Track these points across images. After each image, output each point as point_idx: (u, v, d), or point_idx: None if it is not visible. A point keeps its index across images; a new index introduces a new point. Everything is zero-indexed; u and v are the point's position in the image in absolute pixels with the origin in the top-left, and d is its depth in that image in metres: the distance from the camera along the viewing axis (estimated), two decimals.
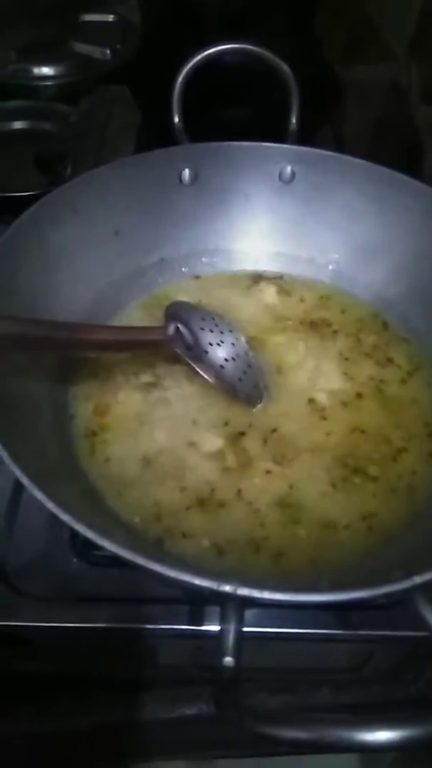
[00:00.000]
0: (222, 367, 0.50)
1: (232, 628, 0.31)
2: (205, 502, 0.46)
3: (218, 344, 0.50)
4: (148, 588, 0.46)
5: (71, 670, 0.53)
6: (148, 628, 0.47)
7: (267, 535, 0.44)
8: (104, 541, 0.31)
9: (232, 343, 0.51)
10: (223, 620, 0.31)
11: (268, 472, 0.47)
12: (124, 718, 0.54)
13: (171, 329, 0.49)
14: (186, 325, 0.49)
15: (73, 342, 0.47)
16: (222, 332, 0.51)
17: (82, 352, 0.51)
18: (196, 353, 0.49)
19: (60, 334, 0.46)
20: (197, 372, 0.50)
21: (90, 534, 0.31)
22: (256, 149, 0.57)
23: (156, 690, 0.54)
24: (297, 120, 0.60)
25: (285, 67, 0.58)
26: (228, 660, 0.30)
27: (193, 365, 0.49)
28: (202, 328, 0.50)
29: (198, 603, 0.46)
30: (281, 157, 0.58)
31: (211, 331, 0.50)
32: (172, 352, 0.50)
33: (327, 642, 0.48)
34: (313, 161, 0.57)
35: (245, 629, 0.43)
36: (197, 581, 0.31)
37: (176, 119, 0.59)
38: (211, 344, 0.50)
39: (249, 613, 0.45)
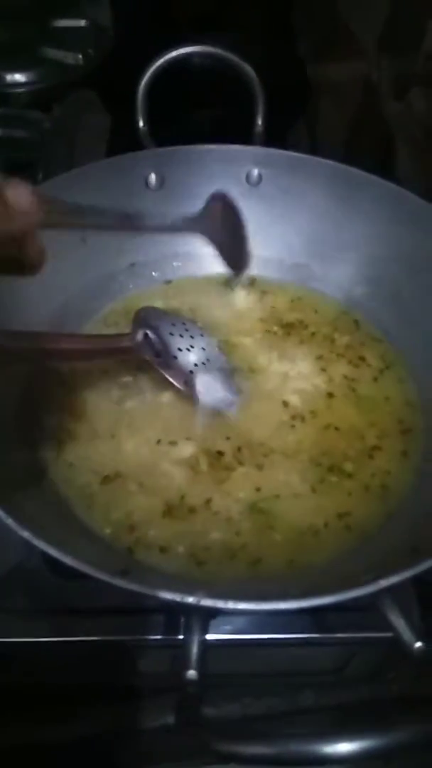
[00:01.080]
0: (191, 372, 0.49)
1: (195, 640, 0.31)
2: (176, 509, 0.45)
3: (188, 349, 0.50)
4: (124, 599, 0.46)
5: (51, 684, 0.53)
6: (126, 640, 0.47)
7: (244, 543, 0.44)
8: (66, 557, 0.31)
9: (203, 348, 0.51)
10: (186, 632, 0.31)
11: (242, 476, 0.47)
12: (106, 729, 0.53)
13: (139, 336, 0.49)
14: (155, 331, 0.49)
15: (42, 352, 0.46)
16: (192, 336, 0.51)
17: (48, 362, 0.50)
18: (165, 359, 0.49)
19: (31, 344, 0.45)
20: (166, 379, 0.49)
21: (46, 547, 0.31)
22: (221, 152, 0.57)
23: (139, 700, 0.53)
24: (263, 122, 0.59)
25: (248, 68, 0.58)
26: (191, 673, 0.30)
27: (162, 372, 0.49)
28: (171, 333, 0.50)
29: (174, 613, 0.46)
30: (247, 159, 0.57)
31: (181, 336, 0.50)
32: (141, 359, 0.49)
33: (305, 646, 0.48)
34: (279, 163, 0.57)
35: (220, 637, 0.44)
36: (160, 594, 0.30)
37: (141, 123, 0.58)
38: (180, 349, 0.49)
39: (225, 620, 0.45)
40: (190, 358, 0.50)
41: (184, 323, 0.51)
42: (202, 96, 0.78)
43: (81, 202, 0.51)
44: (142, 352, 0.49)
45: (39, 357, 0.48)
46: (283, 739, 0.40)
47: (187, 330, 0.51)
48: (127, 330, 0.55)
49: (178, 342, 0.50)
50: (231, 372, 0.52)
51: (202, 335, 0.51)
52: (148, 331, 0.49)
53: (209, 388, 0.50)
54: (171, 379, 0.49)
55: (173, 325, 0.50)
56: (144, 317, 0.50)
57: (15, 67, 0.96)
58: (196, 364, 0.50)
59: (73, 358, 0.49)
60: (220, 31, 1.00)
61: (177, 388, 0.49)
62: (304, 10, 1.04)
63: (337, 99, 0.96)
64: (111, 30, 1.07)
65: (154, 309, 0.53)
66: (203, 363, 0.50)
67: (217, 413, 0.50)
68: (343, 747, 0.26)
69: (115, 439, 0.49)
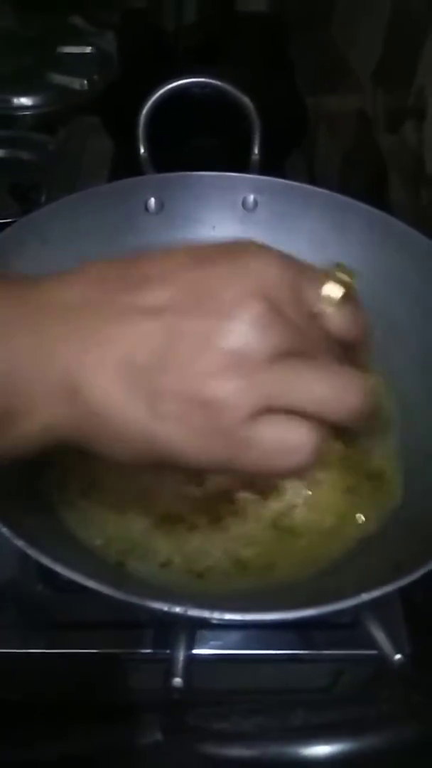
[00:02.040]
0: None
1: (182, 649, 0.31)
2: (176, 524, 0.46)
3: None
4: (115, 613, 0.47)
5: (39, 698, 0.53)
6: (116, 653, 0.47)
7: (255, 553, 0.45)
8: (56, 565, 0.32)
9: None
10: (173, 641, 0.32)
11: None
12: (95, 746, 0.53)
13: None
14: None
15: None
16: None
17: None
18: None
19: None
20: None
21: (38, 556, 0.32)
22: (218, 179, 0.59)
23: (126, 716, 0.53)
24: (259, 150, 0.62)
25: (246, 100, 0.61)
26: (177, 681, 0.30)
27: None
28: None
29: (164, 627, 0.46)
30: (244, 186, 0.59)
31: None
32: None
33: (292, 662, 0.48)
34: (274, 190, 0.59)
35: (206, 651, 0.45)
36: (147, 603, 0.31)
37: (142, 150, 0.61)
38: None
39: (210, 635, 0.46)
40: None
41: None
42: (202, 125, 0.81)
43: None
44: None
45: None
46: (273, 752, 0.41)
47: None
48: None
49: None
50: None
51: None
52: None
53: None
54: None
55: None
56: None
57: (21, 90, 0.99)
58: None
59: None
60: (219, 62, 1.04)
61: None
62: (302, 44, 1.08)
63: (333, 130, 0.99)
64: (115, 58, 1.10)
65: None
66: None
67: None
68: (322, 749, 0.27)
69: None
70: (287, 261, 0.29)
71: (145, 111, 0.60)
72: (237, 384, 0.26)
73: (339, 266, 0.30)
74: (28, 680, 0.52)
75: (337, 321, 0.29)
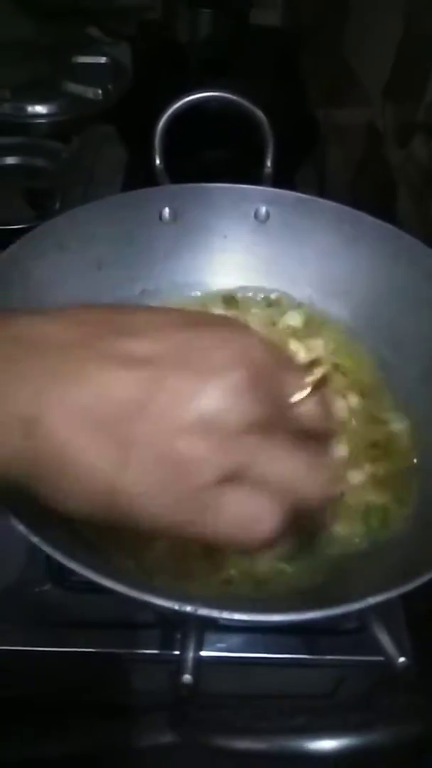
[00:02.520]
0: None
1: (191, 646, 0.32)
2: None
3: None
4: (123, 613, 0.47)
5: (45, 696, 0.54)
6: (123, 653, 0.48)
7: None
8: (70, 562, 0.33)
9: None
10: (182, 639, 0.33)
11: None
12: (97, 746, 0.54)
13: None
14: None
15: None
16: None
17: None
18: None
19: None
20: None
21: (53, 552, 0.33)
22: (232, 190, 0.60)
23: (130, 716, 0.54)
24: (272, 163, 0.63)
25: (259, 113, 0.62)
26: (186, 678, 0.31)
27: None
28: None
29: (170, 628, 0.47)
30: (257, 197, 0.61)
31: None
32: None
33: (296, 667, 0.49)
34: (286, 202, 0.60)
35: (211, 654, 0.45)
36: (157, 601, 0.32)
37: (157, 161, 0.62)
38: None
39: (215, 638, 0.46)
40: None
41: None
42: (215, 137, 0.83)
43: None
44: None
45: None
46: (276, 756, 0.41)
47: None
48: None
49: None
50: None
51: None
52: None
53: None
54: None
55: None
56: None
57: (37, 99, 1.02)
58: None
59: None
60: (231, 75, 1.06)
61: None
62: (313, 58, 1.10)
63: (343, 143, 1.00)
64: (130, 68, 1.12)
65: None
66: None
67: None
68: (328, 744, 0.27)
69: None
70: (272, 347, 0.30)
71: (161, 123, 0.61)
72: (209, 446, 0.25)
73: (317, 360, 0.31)
74: (35, 678, 0.52)
75: (309, 410, 0.29)
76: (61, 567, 0.40)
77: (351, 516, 0.48)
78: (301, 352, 0.57)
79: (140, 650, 0.47)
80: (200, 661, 0.33)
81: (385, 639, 0.33)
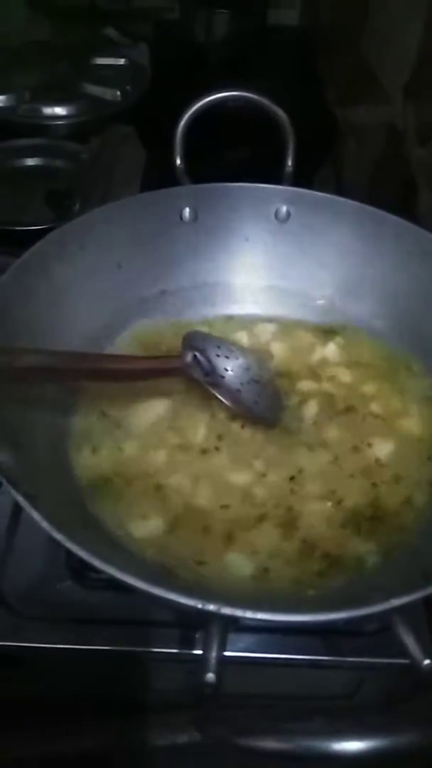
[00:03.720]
0: (239, 391, 0.52)
1: (215, 646, 0.32)
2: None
3: (233, 370, 0.52)
4: (143, 611, 0.47)
5: (62, 694, 0.54)
6: (141, 651, 0.48)
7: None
8: (93, 559, 0.33)
9: (247, 368, 0.53)
10: (206, 638, 0.33)
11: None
12: (113, 744, 0.54)
13: (188, 357, 0.51)
14: (202, 353, 0.51)
15: (95, 372, 0.50)
16: (237, 358, 0.53)
17: (103, 382, 0.53)
18: (214, 379, 0.52)
19: (84, 364, 0.49)
20: (215, 396, 0.52)
21: (76, 549, 0.33)
22: (252, 190, 0.60)
23: (147, 716, 0.54)
24: (293, 162, 0.63)
25: (281, 113, 0.62)
26: (210, 676, 0.31)
27: (212, 391, 0.52)
28: (217, 355, 0.52)
29: (192, 627, 0.47)
30: (277, 197, 0.60)
31: (227, 357, 0.53)
32: (191, 378, 0.52)
33: (314, 668, 0.49)
34: (306, 202, 0.60)
35: (232, 654, 0.45)
36: (182, 600, 0.32)
37: (178, 161, 0.62)
38: (227, 369, 0.52)
39: (236, 638, 0.46)
40: (236, 378, 0.52)
41: (228, 345, 0.54)
42: (235, 136, 0.83)
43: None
44: (192, 373, 0.51)
45: (93, 377, 0.51)
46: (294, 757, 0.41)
47: (231, 351, 0.53)
48: (157, 352, 0.59)
49: (224, 363, 0.52)
50: (274, 391, 0.55)
51: (245, 356, 0.54)
52: (197, 353, 0.51)
53: (255, 406, 0.52)
54: (221, 398, 0.52)
55: (218, 347, 0.53)
56: (192, 340, 0.53)
57: (55, 100, 1.02)
58: (242, 383, 0.52)
59: (126, 378, 0.52)
60: (250, 75, 1.06)
61: (226, 405, 0.52)
62: (333, 57, 1.10)
63: (363, 142, 0.99)
64: (148, 69, 1.13)
65: (200, 332, 0.55)
66: (249, 382, 0.53)
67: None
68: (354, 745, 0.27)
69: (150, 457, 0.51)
70: None
71: (182, 123, 0.61)
72: None
73: None
74: (54, 675, 0.52)
75: None
76: (82, 563, 0.41)
77: None
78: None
79: (159, 649, 0.47)
80: (224, 659, 0.33)
81: (410, 641, 0.33)
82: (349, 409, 0.55)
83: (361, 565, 0.46)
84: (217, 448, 0.52)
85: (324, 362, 0.59)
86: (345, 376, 0.58)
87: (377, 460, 0.52)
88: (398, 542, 0.46)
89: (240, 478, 0.50)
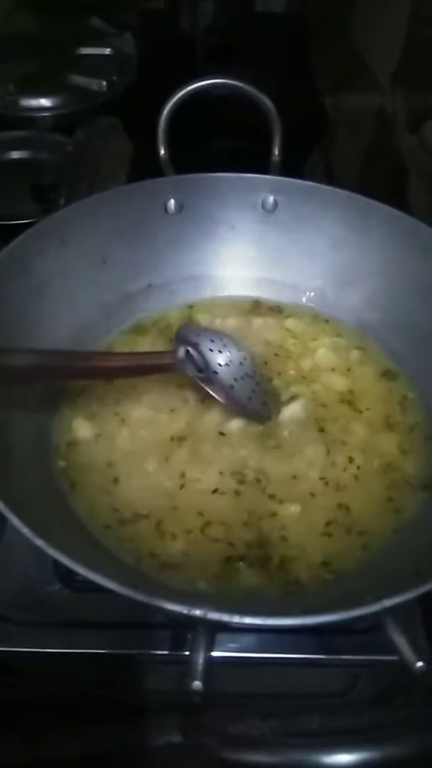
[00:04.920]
0: (232, 387, 0.51)
1: (201, 652, 0.31)
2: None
3: (227, 364, 0.51)
4: (133, 613, 0.47)
5: (55, 697, 0.53)
6: (133, 654, 0.47)
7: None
8: (76, 566, 0.32)
9: (241, 363, 0.52)
10: (193, 643, 0.32)
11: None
12: (109, 745, 0.53)
13: (181, 352, 0.50)
14: (195, 347, 0.50)
15: (84, 370, 0.48)
16: (230, 352, 0.52)
17: (93, 380, 0.52)
18: (207, 375, 0.50)
19: (71, 363, 0.48)
20: (208, 393, 0.51)
21: (57, 554, 0.32)
22: (238, 180, 0.59)
23: (142, 716, 0.53)
24: (280, 151, 0.61)
25: (267, 101, 0.60)
26: (196, 684, 0.30)
27: (204, 387, 0.50)
28: (211, 350, 0.51)
29: (181, 628, 0.46)
30: (263, 187, 0.59)
31: (220, 351, 0.51)
32: (183, 374, 0.51)
33: (309, 667, 0.48)
34: (294, 191, 0.59)
35: (224, 654, 0.45)
36: (167, 606, 0.31)
37: (162, 151, 0.61)
38: (220, 365, 0.51)
39: (229, 638, 0.45)
40: (230, 373, 0.51)
41: (222, 339, 0.52)
42: (221, 126, 0.81)
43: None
44: (184, 369, 0.50)
45: (84, 376, 0.50)
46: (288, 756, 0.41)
47: (225, 346, 0.52)
48: (146, 348, 0.57)
49: (218, 358, 0.51)
50: (267, 387, 0.54)
51: (239, 351, 0.53)
52: (189, 348, 0.50)
53: (248, 402, 0.51)
54: (213, 394, 0.50)
55: (212, 341, 0.51)
56: (185, 334, 0.51)
57: (41, 92, 1.00)
58: (235, 379, 0.51)
59: (117, 375, 0.51)
60: (238, 63, 1.04)
61: (219, 402, 0.51)
62: (321, 44, 1.08)
63: (353, 130, 0.98)
64: (135, 59, 1.11)
65: (194, 325, 0.55)
66: (242, 378, 0.51)
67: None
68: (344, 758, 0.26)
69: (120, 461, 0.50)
70: None
71: (165, 112, 0.60)
72: None
73: None
74: (46, 679, 0.52)
75: None
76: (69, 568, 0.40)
77: None
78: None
79: (151, 651, 0.47)
80: (211, 664, 0.32)
81: (401, 642, 0.32)
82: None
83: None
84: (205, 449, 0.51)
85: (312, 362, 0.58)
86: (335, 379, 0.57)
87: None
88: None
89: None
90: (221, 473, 0.49)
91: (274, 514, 0.47)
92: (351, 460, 0.50)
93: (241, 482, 0.49)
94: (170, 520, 0.47)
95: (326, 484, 0.49)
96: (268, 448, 0.51)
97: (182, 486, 0.48)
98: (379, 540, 0.46)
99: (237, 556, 0.45)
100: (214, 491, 0.48)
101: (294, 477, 0.49)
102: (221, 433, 0.52)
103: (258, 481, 0.49)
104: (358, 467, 0.50)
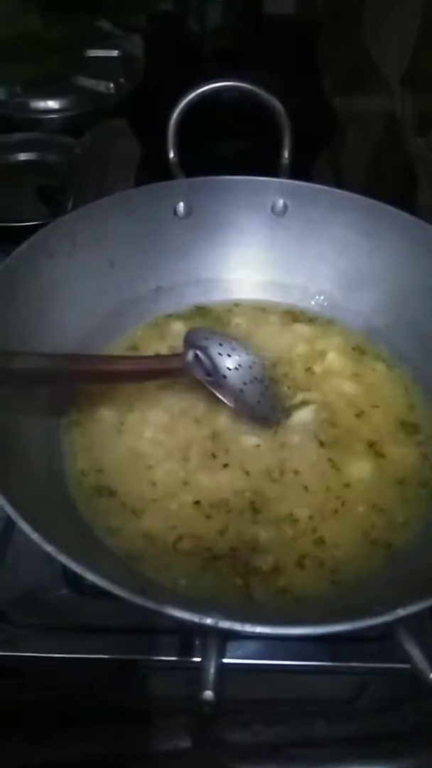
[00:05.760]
0: (241, 391, 0.50)
1: (212, 661, 0.31)
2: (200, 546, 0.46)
3: (236, 368, 0.51)
4: (139, 619, 0.46)
5: (62, 702, 0.53)
6: (140, 659, 0.47)
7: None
8: (87, 573, 0.32)
9: (250, 366, 0.52)
10: (203, 653, 0.32)
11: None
12: (115, 750, 0.53)
13: (190, 356, 0.49)
14: (204, 351, 0.50)
15: (93, 374, 0.48)
16: (239, 356, 0.51)
17: (101, 384, 0.52)
18: (216, 378, 0.50)
19: (80, 366, 0.48)
20: (217, 397, 0.50)
21: (68, 561, 0.32)
22: (248, 183, 0.59)
23: (148, 722, 0.53)
24: (289, 154, 0.61)
25: (277, 104, 0.60)
26: (207, 694, 0.30)
27: (214, 391, 0.50)
28: (220, 354, 0.50)
29: (190, 634, 0.46)
30: (273, 190, 0.59)
31: (229, 355, 0.51)
32: (192, 378, 0.50)
33: (317, 674, 0.48)
34: (304, 194, 0.59)
35: (233, 661, 0.44)
36: (178, 614, 0.31)
37: (171, 154, 0.60)
38: (229, 368, 0.50)
39: (237, 645, 0.45)
40: (239, 377, 0.51)
41: (231, 342, 0.52)
42: (230, 128, 0.81)
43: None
44: (193, 372, 0.50)
45: (92, 380, 0.50)
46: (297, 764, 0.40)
47: (234, 349, 0.51)
48: (154, 352, 0.57)
49: (226, 362, 0.50)
50: (277, 391, 0.54)
51: (248, 354, 0.52)
52: (198, 352, 0.50)
53: (258, 406, 0.51)
54: (223, 398, 0.50)
55: (221, 345, 0.51)
56: (194, 338, 0.51)
57: (48, 94, 1.00)
58: (245, 383, 0.51)
59: (126, 379, 0.50)
60: (246, 66, 1.04)
61: (228, 406, 0.51)
62: (330, 46, 1.07)
63: (362, 133, 0.97)
64: (142, 61, 1.11)
65: (203, 329, 0.54)
66: (251, 382, 0.51)
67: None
68: None
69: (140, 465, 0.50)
70: None
71: (175, 115, 0.59)
72: None
73: None
74: (53, 684, 0.51)
75: None
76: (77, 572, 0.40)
77: None
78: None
79: (159, 657, 0.46)
80: (222, 673, 0.32)
81: (414, 652, 0.32)
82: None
83: None
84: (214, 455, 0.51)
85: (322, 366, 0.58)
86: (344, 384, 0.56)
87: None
88: None
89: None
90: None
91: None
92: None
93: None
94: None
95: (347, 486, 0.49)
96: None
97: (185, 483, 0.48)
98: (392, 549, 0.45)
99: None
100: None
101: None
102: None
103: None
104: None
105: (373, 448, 0.51)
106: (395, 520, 0.47)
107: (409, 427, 0.53)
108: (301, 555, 0.45)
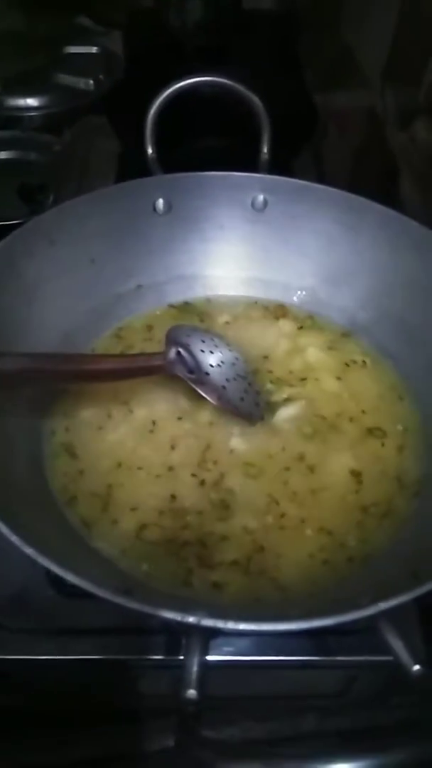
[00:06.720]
0: (224, 387, 0.50)
1: (195, 660, 0.31)
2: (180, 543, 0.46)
3: (219, 365, 0.50)
4: (126, 619, 0.46)
5: (50, 704, 0.53)
6: (127, 659, 0.47)
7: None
8: (67, 574, 0.31)
9: (233, 363, 0.52)
10: (186, 651, 0.31)
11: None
12: (105, 751, 0.53)
13: (172, 354, 0.49)
14: (186, 348, 0.49)
15: (74, 373, 0.48)
16: (222, 353, 0.51)
17: (84, 383, 0.51)
18: (198, 376, 0.50)
19: (62, 365, 0.47)
20: (200, 394, 0.50)
21: (48, 563, 0.31)
22: (227, 179, 0.58)
23: (138, 721, 0.53)
24: (269, 150, 0.61)
25: (255, 99, 0.60)
26: (191, 692, 0.30)
27: (196, 388, 0.50)
28: (202, 351, 0.50)
29: (175, 633, 0.46)
30: (253, 186, 0.59)
31: (212, 352, 0.51)
32: (174, 376, 0.50)
33: (305, 669, 0.48)
34: (284, 189, 0.58)
35: (220, 658, 0.44)
36: (161, 613, 0.30)
37: (150, 150, 0.60)
38: (212, 365, 0.50)
39: (224, 641, 0.45)
40: (221, 374, 0.50)
41: (213, 339, 0.52)
42: (210, 124, 0.80)
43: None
44: (176, 370, 0.49)
45: (75, 379, 0.49)
46: (283, 761, 0.40)
47: (216, 346, 0.51)
48: (136, 350, 0.57)
49: (209, 359, 0.50)
50: (259, 387, 0.54)
51: (231, 351, 0.52)
52: (180, 349, 0.49)
53: (241, 403, 0.51)
54: (205, 395, 0.50)
55: (203, 341, 0.51)
56: (176, 335, 0.50)
57: (28, 91, 0.99)
58: (227, 380, 0.50)
59: (108, 377, 0.50)
60: (227, 61, 1.03)
61: (211, 403, 0.50)
62: (310, 41, 1.07)
63: (343, 128, 0.97)
64: (122, 58, 1.10)
65: (185, 326, 0.53)
66: (234, 379, 0.51)
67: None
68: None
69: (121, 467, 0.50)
70: None
71: (152, 111, 0.59)
72: None
73: None
74: (41, 686, 0.51)
75: None
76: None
77: None
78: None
79: (145, 656, 0.46)
80: (205, 671, 0.32)
81: (398, 645, 0.32)
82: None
83: None
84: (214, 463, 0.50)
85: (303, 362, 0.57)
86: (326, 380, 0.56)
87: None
88: None
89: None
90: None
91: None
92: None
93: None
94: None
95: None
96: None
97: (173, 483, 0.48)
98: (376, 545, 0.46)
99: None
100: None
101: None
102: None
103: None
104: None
105: (356, 444, 0.51)
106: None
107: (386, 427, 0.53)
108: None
